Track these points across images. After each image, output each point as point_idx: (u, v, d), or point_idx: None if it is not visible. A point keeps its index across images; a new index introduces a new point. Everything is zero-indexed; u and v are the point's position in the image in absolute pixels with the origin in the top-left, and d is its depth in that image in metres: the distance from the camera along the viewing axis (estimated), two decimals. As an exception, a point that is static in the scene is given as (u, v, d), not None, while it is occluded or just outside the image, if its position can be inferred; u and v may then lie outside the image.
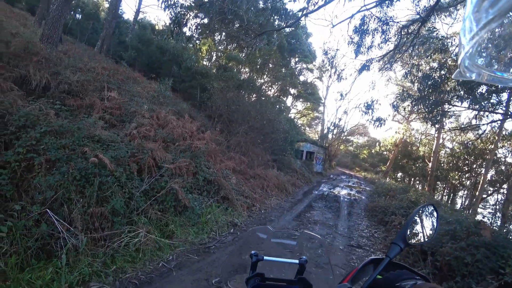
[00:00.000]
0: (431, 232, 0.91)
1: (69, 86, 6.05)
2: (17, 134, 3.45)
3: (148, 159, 4.61)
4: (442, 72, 8.08)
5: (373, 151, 35.62)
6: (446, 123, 14.43)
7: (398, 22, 9.44)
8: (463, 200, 20.85)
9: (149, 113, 6.47)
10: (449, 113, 10.77)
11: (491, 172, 17.00)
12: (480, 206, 15.36)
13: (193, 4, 11.93)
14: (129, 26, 16.93)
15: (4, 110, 3.65)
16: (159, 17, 48.76)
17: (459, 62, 0.45)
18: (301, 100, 27.76)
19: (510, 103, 8.09)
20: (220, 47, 17.55)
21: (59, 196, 3.14)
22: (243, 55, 16.92)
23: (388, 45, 9.84)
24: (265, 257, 0.98)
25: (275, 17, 11.84)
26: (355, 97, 47.84)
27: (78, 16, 16.84)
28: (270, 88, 20.65)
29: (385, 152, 31.85)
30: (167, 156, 5.13)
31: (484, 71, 0.44)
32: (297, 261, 0.96)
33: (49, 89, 5.71)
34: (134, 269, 3.13)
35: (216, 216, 5.17)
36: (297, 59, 21.88)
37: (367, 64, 10.80)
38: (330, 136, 29.07)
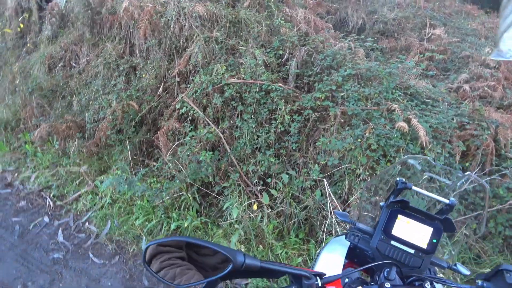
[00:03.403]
0: None
1: (384, 25, 5.19)
2: (320, 76, 2.90)
3: (488, 139, 2.60)
4: None
5: None
6: None
7: None
8: None
9: (493, 60, 3.98)
10: None
11: None
12: None
13: None
14: None
15: (313, 49, 3.20)
16: None
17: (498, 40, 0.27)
18: None
19: None
20: None
21: (343, 166, 2.26)
22: None
23: None
24: (413, 187, 0.96)
25: None
26: None
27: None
28: None
29: None
30: (523, 140, 2.77)
31: None
32: (447, 200, 0.92)
33: (363, 30, 5.14)
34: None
35: None
36: None
37: None
38: None
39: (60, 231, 2.28)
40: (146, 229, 2.20)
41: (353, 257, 1.00)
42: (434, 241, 0.89)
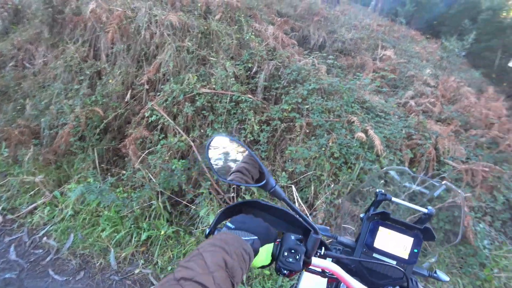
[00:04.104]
0: None
1: (343, 44, 5.62)
2: (287, 89, 3.08)
3: (430, 147, 2.98)
4: None
5: None
6: None
7: None
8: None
9: (433, 80, 4.57)
10: None
11: None
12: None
13: None
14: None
15: (280, 63, 3.40)
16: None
17: None
18: None
19: None
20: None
21: (309, 173, 2.43)
22: None
23: None
24: (393, 198, 0.97)
25: None
26: None
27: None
28: None
29: None
30: (457, 149, 3.22)
31: None
32: (426, 210, 0.95)
33: (324, 47, 5.52)
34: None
35: (510, 276, 2.81)
36: None
37: None
38: None
39: (12, 248, 2.06)
40: (114, 240, 2.09)
41: None
42: (415, 251, 0.89)
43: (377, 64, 4.88)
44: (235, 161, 0.76)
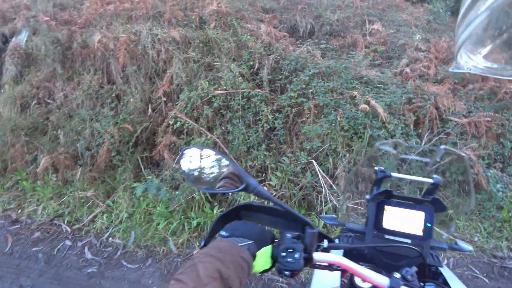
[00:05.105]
0: None
1: (331, 26, 5.79)
2: (289, 78, 3.34)
3: (430, 108, 3.21)
4: None
5: None
6: None
7: None
8: None
9: (424, 44, 4.76)
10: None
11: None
12: None
13: None
14: None
15: (278, 56, 3.66)
16: None
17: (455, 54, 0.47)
18: None
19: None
20: None
21: (325, 147, 2.71)
22: None
23: None
24: (392, 174, 0.93)
25: None
26: None
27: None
28: None
29: None
30: (457, 105, 3.43)
31: (480, 63, 0.45)
32: (431, 180, 0.89)
33: (313, 33, 5.71)
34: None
35: (527, 213, 3.02)
36: None
37: None
38: None
39: (86, 250, 2.42)
40: (170, 231, 2.44)
41: (351, 259, 0.90)
42: (429, 225, 0.84)
43: (367, 39, 5.07)
44: (217, 167, 0.74)
